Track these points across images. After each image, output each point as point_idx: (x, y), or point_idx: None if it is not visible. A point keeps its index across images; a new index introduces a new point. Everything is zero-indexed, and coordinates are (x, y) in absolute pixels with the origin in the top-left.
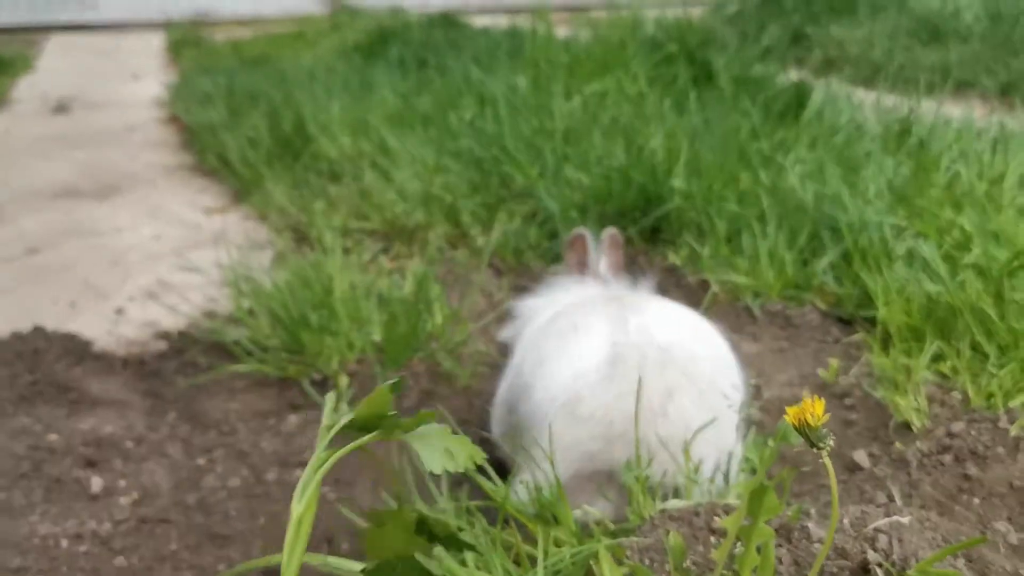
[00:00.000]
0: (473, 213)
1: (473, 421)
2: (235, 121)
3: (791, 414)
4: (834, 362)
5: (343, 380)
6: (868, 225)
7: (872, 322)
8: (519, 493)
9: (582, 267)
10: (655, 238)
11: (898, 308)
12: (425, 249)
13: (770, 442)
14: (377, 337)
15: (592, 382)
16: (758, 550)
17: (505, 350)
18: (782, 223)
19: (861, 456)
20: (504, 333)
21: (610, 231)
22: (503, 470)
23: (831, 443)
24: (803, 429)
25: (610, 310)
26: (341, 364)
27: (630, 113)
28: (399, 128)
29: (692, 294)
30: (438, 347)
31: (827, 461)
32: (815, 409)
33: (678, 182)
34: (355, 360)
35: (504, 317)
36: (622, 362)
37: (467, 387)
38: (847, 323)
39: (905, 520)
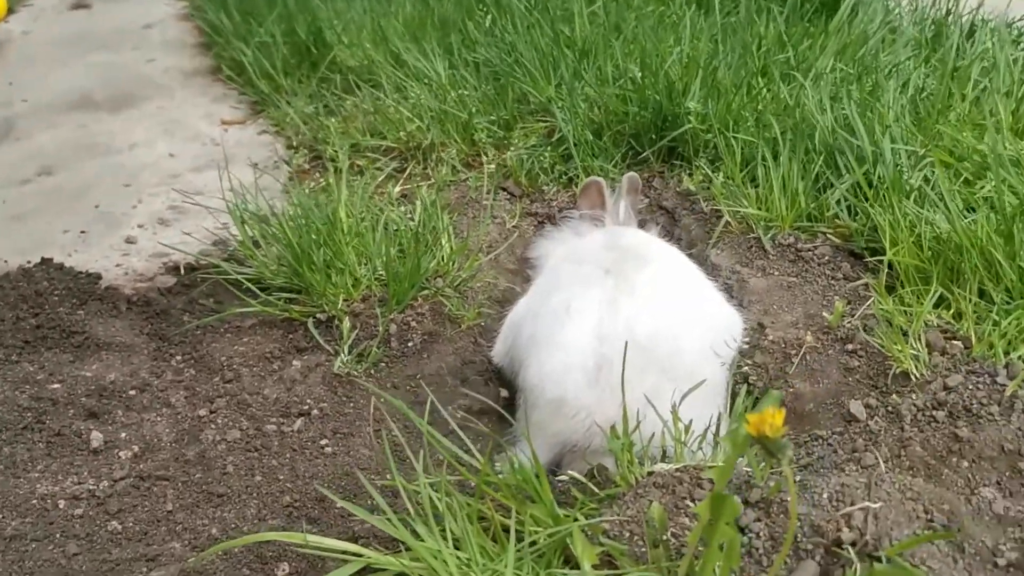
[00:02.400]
0: (488, 131)
1: (477, 362)
2: (248, 26)
3: (752, 424)
4: (839, 304)
5: (346, 323)
6: (883, 153)
7: (880, 256)
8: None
9: (596, 214)
10: (671, 159)
11: (907, 249)
12: (439, 170)
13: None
14: (381, 270)
15: (577, 383)
16: (721, 547)
17: (516, 280)
18: (796, 149)
19: (858, 407)
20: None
21: (629, 176)
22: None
23: (791, 454)
24: (762, 440)
25: (605, 288)
26: (346, 303)
27: (655, 17)
28: (417, 35)
29: (704, 223)
30: (444, 284)
31: (788, 472)
32: (774, 420)
33: (693, 103)
34: (359, 298)
35: (515, 245)
36: (607, 367)
37: (473, 326)
38: (858, 258)
39: (876, 506)
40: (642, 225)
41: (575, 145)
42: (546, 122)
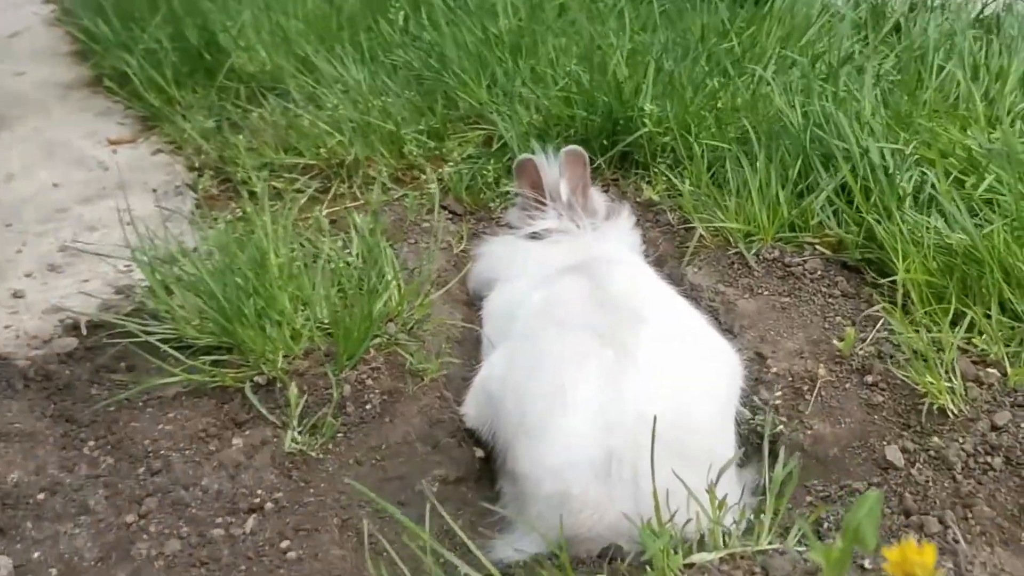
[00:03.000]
0: (418, 142)
1: (447, 421)
2: (130, 32)
3: (894, 563)
4: (851, 331)
5: (292, 388)
6: (869, 153)
7: (880, 270)
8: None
9: (538, 194)
10: (626, 166)
11: (918, 265)
12: (368, 188)
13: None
14: (324, 317)
15: (583, 477)
16: None
17: (475, 303)
18: (770, 151)
19: (894, 453)
20: (471, 282)
21: (569, 148)
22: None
23: None
24: None
25: (603, 363)
26: (287, 361)
27: (582, 8)
28: (323, 37)
29: (673, 236)
30: (397, 329)
31: None
32: (924, 560)
33: (649, 104)
34: (302, 353)
35: (468, 269)
36: (617, 459)
37: (437, 378)
38: (853, 270)
39: None
40: (609, 213)
41: (520, 152)
42: (482, 129)
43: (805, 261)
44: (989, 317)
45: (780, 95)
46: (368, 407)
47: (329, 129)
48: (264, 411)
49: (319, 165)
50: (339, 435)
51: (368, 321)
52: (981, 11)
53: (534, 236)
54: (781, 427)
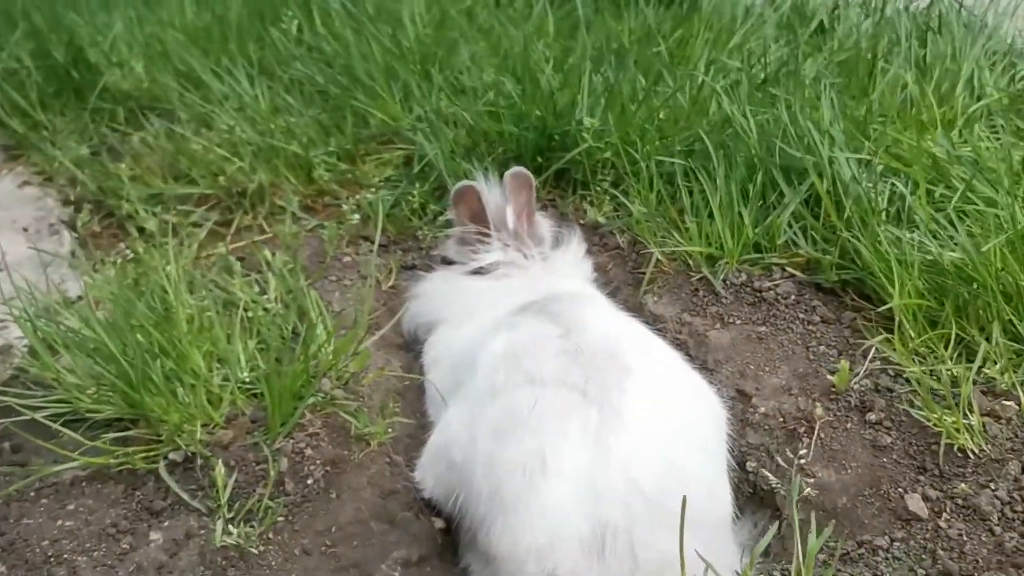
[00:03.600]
0: (328, 165)
1: (400, 491)
2: None
3: None
4: (845, 364)
5: (218, 467)
6: (833, 164)
7: (859, 292)
8: None
9: (479, 224)
10: (563, 186)
11: (910, 287)
12: (276, 218)
13: None
14: (245, 376)
15: (571, 557)
16: None
17: (412, 348)
18: (726, 164)
19: (916, 503)
20: (407, 324)
21: (514, 171)
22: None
23: None
24: None
25: (587, 424)
26: (206, 431)
27: (492, 14)
28: (207, 50)
29: (624, 261)
30: (332, 385)
31: None
32: None
33: (588, 118)
34: (223, 421)
35: (404, 310)
36: (610, 534)
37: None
38: (829, 293)
39: None
40: (558, 240)
41: (447, 175)
42: (400, 149)
43: (777, 285)
44: (989, 341)
45: (729, 103)
46: (310, 482)
47: (225, 154)
48: (185, 496)
49: (217, 195)
50: (279, 519)
51: (303, 378)
52: (907, 7)
53: (478, 271)
54: (771, 476)
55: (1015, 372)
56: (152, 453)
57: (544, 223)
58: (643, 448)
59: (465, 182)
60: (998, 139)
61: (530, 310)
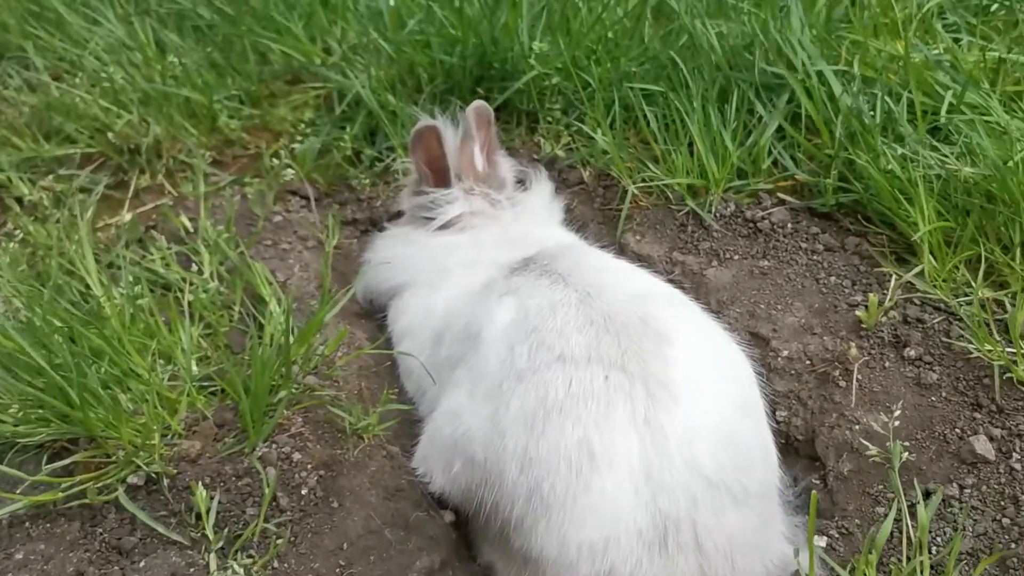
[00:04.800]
0: (233, 112)
1: (405, 487)
2: None
3: None
4: (873, 297)
5: (199, 490)
6: (815, 76)
7: (860, 215)
8: None
9: (438, 171)
10: (508, 119)
11: (930, 209)
12: (182, 177)
13: None
14: (197, 372)
15: (632, 553)
16: None
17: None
18: (693, 86)
19: (983, 444)
20: (364, 289)
21: (475, 107)
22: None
23: None
24: None
25: (635, 403)
26: (166, 443)
27: None
28: None
29: (591, 197)
30: (303, 373)
31: None
32: None
33: (536, 43)
34: (183, 429)
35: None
36: (672, 524)
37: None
38: (826, 218)
39: None
40: (523, 184)
41: (381, 116)
42: (314, 88)
43: (769, 213)
44: (1013, 263)
45: (688, 16)
46: (305, 492)
47: (108, 104)
48: (159, 526)
49: (103, 153)
50: (279, 541)
51: (273, 369)
52: None
53: (443, 226)
54: (802, 422)
55: None
56: (107, 479)
57: (505, 163)
58: (699, 424)
59: (425, 121)
60: (957, 40)
61: (530, 270)
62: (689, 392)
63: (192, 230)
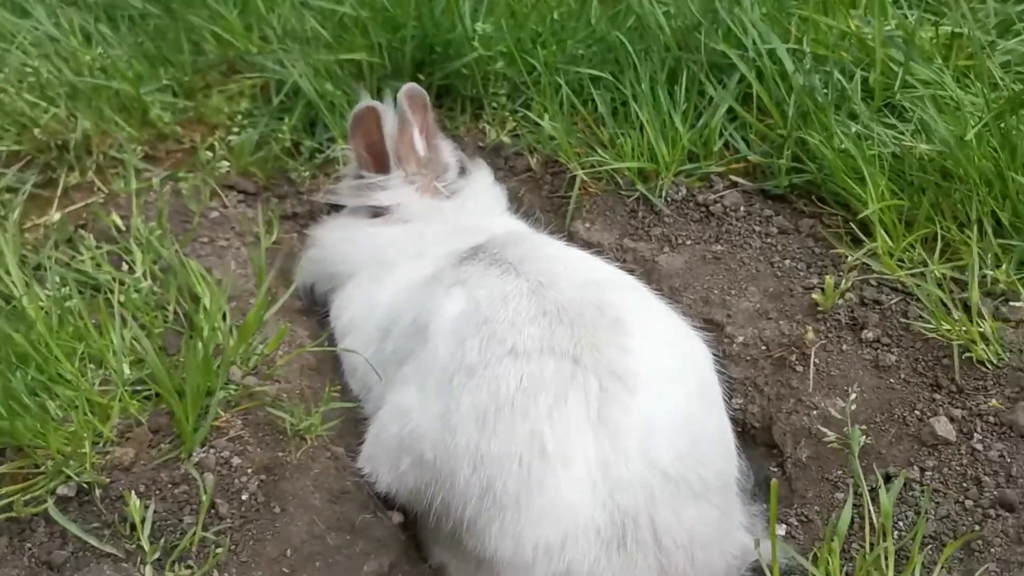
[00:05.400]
0: (166, 104)
1: (350, 489)
2: None
3: None
4: (830, 280)
5: (132, 499)
6: (766, 55)
7: (814, 196)
8: None
9: (378, 156)
10: (450, 104)
11: (883, 187)
12: (112, 173)
13: None
14: (129, 375)
15: (589, 552)
16: None
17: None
18: (640, 68)
19: (943, 425)
20: (302, 278)
21: (408, 88)
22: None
23: None
24: None
25: (588, 397)
26: (99, 454)
27: None
28: None
29: (538, 184)
30: (242, 373)
31: None
32: None
33: (480, 24)
34: (116, 436)
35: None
36: (631, 521)
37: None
38: (779, 200)
39: None
40: (463, 171)
41: (320, 105)
42: (249, 78)
43: (721, 197)
44: (973, 238)
45: None
46: (246, 497)
47: (33, 99)
48: (91, 539)
49: (29, 151)
50: (218, 550)
51: (207, 370)
52: None
53: (378, 214)
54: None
55: (1014, 269)
56: (35, 491)
57: (447, 148)
58: (657, 416)
59: (365, 103)
60: (904, 15)
61: (479, 259)
62: (647, 382)
63: (124, 228)
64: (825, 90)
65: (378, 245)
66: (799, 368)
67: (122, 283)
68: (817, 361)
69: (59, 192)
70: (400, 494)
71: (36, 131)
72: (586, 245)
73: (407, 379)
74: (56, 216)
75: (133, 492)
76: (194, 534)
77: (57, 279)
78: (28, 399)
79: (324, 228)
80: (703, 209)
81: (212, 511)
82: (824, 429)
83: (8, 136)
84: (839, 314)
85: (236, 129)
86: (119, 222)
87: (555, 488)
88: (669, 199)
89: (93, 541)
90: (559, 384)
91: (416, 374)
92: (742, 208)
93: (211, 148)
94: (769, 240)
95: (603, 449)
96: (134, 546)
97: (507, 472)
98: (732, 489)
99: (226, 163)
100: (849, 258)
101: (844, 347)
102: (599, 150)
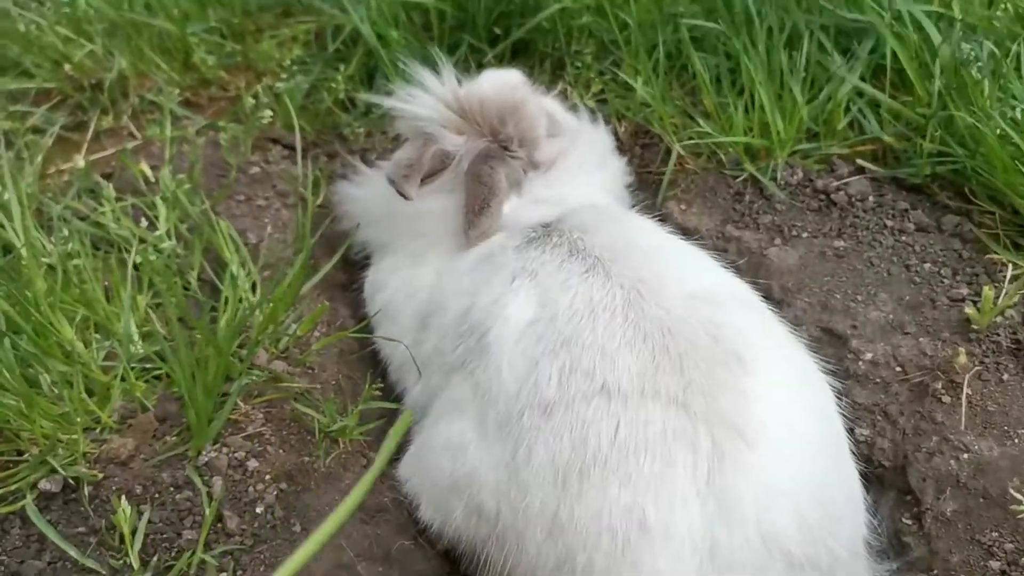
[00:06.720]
0: (211, 46)
1: (389, 506)
2: None
3: None
4: (988, 291)
5: (122, 504)
6: (901, 20)
7: (961, 189)
8: None
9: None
10: (526, 62)
11: None
12: (147, 119)
13: None
14: (139, 351)
15: None
16: None
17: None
18: (755, 30)
19: None
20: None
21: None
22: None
23: None
24: None
25: (698, 459)
26: (93, 443)
27: None
28: None
29: (627, 157)
30: (269, 357)
31: None
32: None
33: None
34: (115, 422)
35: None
36: None
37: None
38: (917, 191)
39: None
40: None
41: (384, 54)
42: (303, 22)
43: (846, 184)
44: None
45: None
46: (261, 511)
47: (68, 33)
48: (72, 549)
49: (62, 89)
50: (221, 575)
51: (229, 351)
52: None
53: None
54: (890, 445)
55: None
56: (13, 483)
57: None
58: (781, 485)
59: (482, 163)
60: None
61: (552, 243)
62: (770, 437)
63: (153, 180)
64: (979, 63)
65: (426, 215)
66: (946, 398)
67: (142, 241)
68: (970, 392)
69: (89, 136)
70: (447, 537)
71: (68, 67)
72: (681, 230)
73: (460, 403)
74: (81, 163)
75: (126, 496)
76: (193, 554)
77: (65, 232)
78: (15, 372)
79: (360, 186)
80: (823, 196)
81: (218, 525)
82: (977, 477)
83: (40, 73)
84: (998, 335)
85: (285, 76)
86: (148, 172)
87: (651, 570)
88: (783, 182)
89: (73, 553)
90: (663, 438)
91: (472, 398)
92: (871, 198)
93: (255, 96)
94: (904, 238)
95: (711, 524)
96: (120, 563)
97: (593, 546)
98: (862, 556)
99: (270, 113)
100: (1011, 267)
101: (1005, 376)
102: (700, 121)
